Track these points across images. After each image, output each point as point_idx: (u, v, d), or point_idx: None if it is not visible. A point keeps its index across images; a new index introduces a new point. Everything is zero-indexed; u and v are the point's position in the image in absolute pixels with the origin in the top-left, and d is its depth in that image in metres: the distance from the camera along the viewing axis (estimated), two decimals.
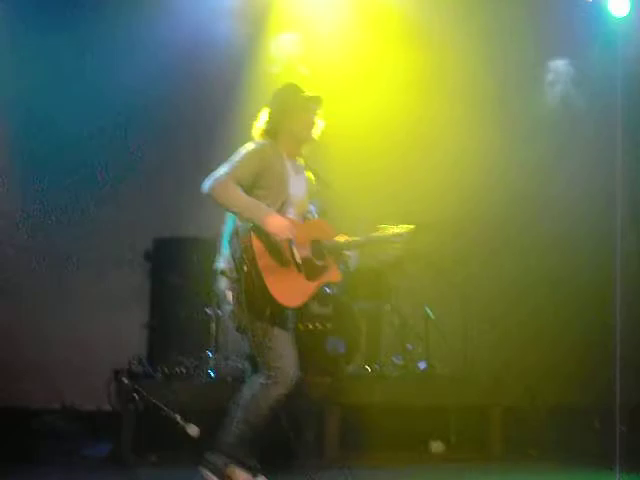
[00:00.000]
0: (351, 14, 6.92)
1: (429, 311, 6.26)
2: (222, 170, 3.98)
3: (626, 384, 5.26)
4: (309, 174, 4.37)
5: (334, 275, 4.25)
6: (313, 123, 4.19)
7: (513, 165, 6.75)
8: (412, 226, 4.24)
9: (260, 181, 4.06)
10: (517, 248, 6.80)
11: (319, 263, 4.16)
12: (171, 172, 6.87)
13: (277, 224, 3.91)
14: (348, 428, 5.49)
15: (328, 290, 6.11)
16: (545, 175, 6.80)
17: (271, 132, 4.19)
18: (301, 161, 4.34)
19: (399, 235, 4.23)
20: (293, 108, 4.17)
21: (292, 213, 4.15)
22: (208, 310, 5.89)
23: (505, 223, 6.84)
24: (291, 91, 4.26)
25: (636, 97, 5.96)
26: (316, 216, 4.39)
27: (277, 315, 4.01)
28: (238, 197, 3.94)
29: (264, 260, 3.91)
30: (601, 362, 5.67)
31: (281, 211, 4.06)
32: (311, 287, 4.09)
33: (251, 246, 3.90)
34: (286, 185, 4.13)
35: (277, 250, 3.96)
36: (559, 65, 7.00)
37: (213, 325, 5.84)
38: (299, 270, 4.01)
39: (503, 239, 6.84)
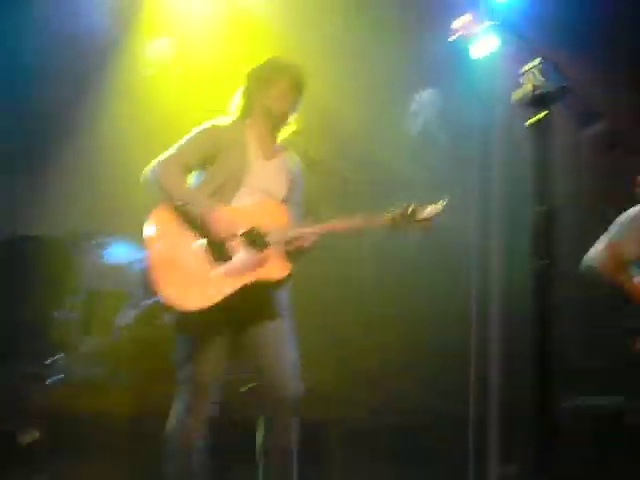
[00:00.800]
0: (226, 19, 6.88)
1: None
2: (167, 153, 3.59)
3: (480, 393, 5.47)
4: (292, 160, 3.86)
5: (272, 271, 3.48)
6: (288, 96, 3.69)
7: None
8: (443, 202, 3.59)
9: (212, 163, 3.60)
10: (371, 261, 6.80)
11: (252, 255, 3.47)
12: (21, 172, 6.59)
13: (215, 222, 3.44)
14: None
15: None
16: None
17: (245, 109, 3.76)
18: (284, 145, 3.84)
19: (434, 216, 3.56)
20: (265, 78, 3.71)
21: (247, 202, 3.60)
22: (56, 313, 5.72)
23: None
24: (265, 61, 3.83)
25: (491, 134, 6.20)
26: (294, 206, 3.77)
27: (182, 320, 3.52)
28: (176, 186, 3.53)
29: (160, 245, 3.46)
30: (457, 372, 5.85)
31: (231, 199, 3.57)
32: (229, 285, 3.40)
33: (149, 222, 3.49)
34: (242, 170, 3.60)
35: (184, 235, 3.48)
36: (423, 96, 7.16)
37: (63, 328, 5.69)
38: (215, 263, 3.45)
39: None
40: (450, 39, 6.01)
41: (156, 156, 3.63)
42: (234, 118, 3.75)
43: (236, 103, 3.78)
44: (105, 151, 6.55)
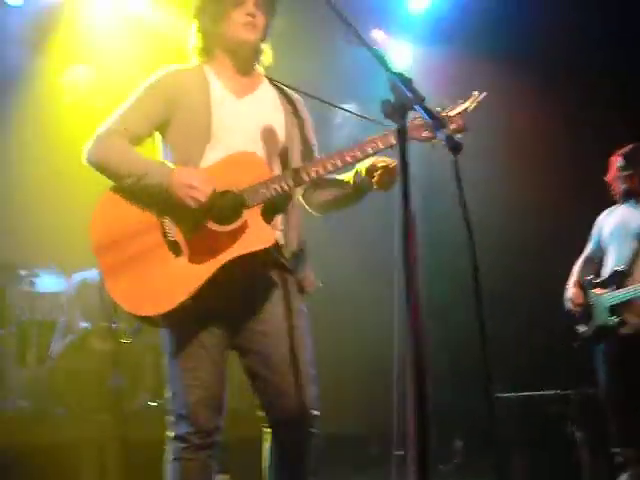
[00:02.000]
0: (145, 46, 6.90)
1: None
2: (107, 121, 2.82)
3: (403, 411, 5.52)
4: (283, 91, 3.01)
5: (254, 240, 2.70)
6: (251, 18, 2.84)
7: None
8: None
9: (171, 121, 2.82)
10: None
11: (223, 228, 2.70)
12: None
13: (178, 187, 2.68)
14: (131, 463, 5.44)
15: (114, 324, 6.06)
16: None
17: (205, 49, 2.95)
18: (262, 77, 3.00)
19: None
20: (220, 6, 2.86)
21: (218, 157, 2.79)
22: None
23: None
24: None
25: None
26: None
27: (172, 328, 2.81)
28: (123, 159, 2.74)
29: (110, 249, 2.74)
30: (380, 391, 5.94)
31: (200, 155, 2.80)
32: (202, 272, 2.67)
33: (90, 230, 2.79)
34: (208, 116, 2.80)
35: (134, 227, 2.75)
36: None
37: None
38: (175, 251, 2.72)
39: None
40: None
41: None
42: (203, 59, 2.98)
43: (194, 41, 2.99)
44: (29, 181, 6.54)
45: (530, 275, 6.40)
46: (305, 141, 2.99)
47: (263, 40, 2.94)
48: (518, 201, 6.47)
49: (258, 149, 2.83)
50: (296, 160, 2.91)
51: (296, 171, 2.80)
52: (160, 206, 2.74)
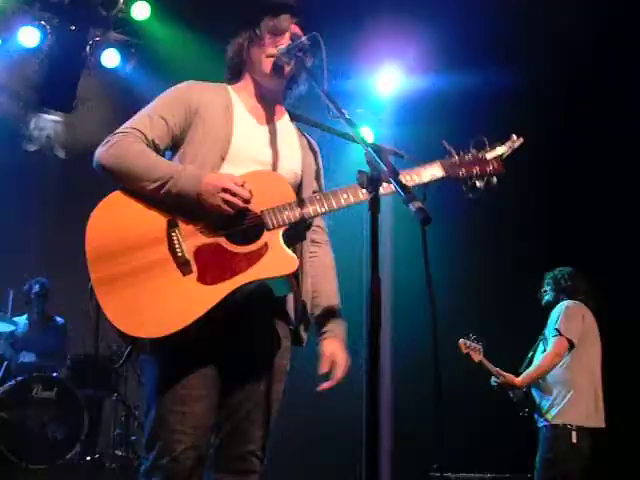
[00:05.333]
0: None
1: None
2: (125, 124, 2.60)
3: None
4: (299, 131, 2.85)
5: (274, 265, 2.45)
6: (278, 44, 2.66)
7: None
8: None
9: (188, 132, 2.61)
10: None
11: (240, 248, 2.45)
12: None
13: (210, 187, 2.43)
14: None
15: (54, 374, 6.00)
16: None
17: (234, 68, 2.78)
18: (284, 110, 2.83)
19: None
20: (257, 30, 2.70)
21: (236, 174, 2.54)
22: None
23: None
24: (258, 7, 2.78)
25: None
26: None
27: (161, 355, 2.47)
28: (144, 159, 2.49)
29: (108, 259, 2.41)
30: None
31: (216, 170, 2.54)
32: (213, 294, 2.39)
33: (88, 228, 2.46)
34: (228, 130, 2.62)
35: (138, 238, 2.44)
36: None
37: None
38: (183, 268, 2.41)
39: None
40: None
41: None
42: (231, 79, 2.82)
43: (225, 62, 2.83)
44: None
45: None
46: (316, 184, 2.78)
47: (291, 83, 2.76)
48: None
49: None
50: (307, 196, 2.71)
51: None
52: (171, 217, 2.47)
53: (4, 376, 5.88)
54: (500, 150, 2.67)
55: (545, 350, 4.89)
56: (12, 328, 6.20)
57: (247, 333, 2.55)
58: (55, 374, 6.02)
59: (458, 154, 2.64)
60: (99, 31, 6.74)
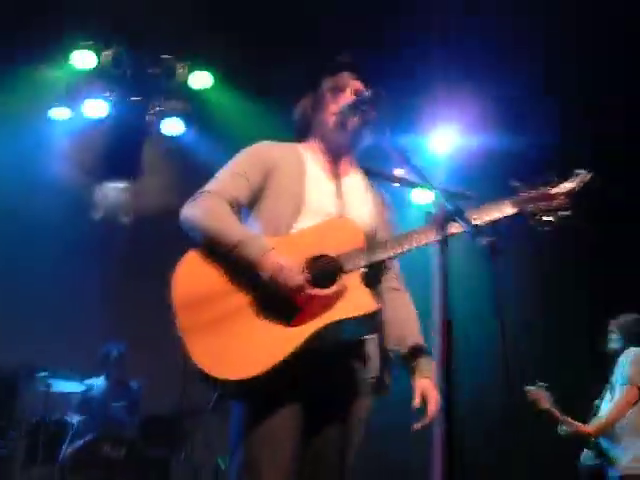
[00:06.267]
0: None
1: (221, 462, 6.27)
2: (208, 184, 2.75)
3: None
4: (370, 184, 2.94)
5: (355, 305, 2.53)
6: (339, 101, 2.81)
7: None
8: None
9: (265, 188, 2.74)
10: None
11: (320, 291, 2.53)
12: None
13: (271, 268, 2.51)
14: None
15: (124, 433, 6.08)
16: None
17: (301, 130, 2.94)
18: (354, 164, 2.94)
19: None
20: (320, 93, 2.88)
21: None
22: None
23: None
24: (317, 69, 2.99)
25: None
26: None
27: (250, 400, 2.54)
28: (224, 223, 2.61)
29: (194, 307, 2.54)
30: None
31: (292, 222, 2.69)
32: (297, 335, 2.47)
33: (173, 280, 2.57)
34: (302, 185, 2.74)
35: (222, 286, 2.55)
36: None
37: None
38: (266, 312, 2.52)
39: None
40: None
41: None
42: (299, 139, 2.97)
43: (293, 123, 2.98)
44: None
45: None
46: (386, 235, 2.84)
47: (356, 137, 2.85)
48: None
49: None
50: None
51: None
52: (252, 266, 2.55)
53: (72, 439, 5.96)
54: (569, 185, 2.68)
55: (612, 398, 4.83)
56: (83, 388, 6.29)
57: (327, 378, 2.59)
58: (125, 432, 6.10)
59: (526, 191, 2.67)
60: (160, 101, 6.99)
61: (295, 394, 2.54)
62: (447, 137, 7.11)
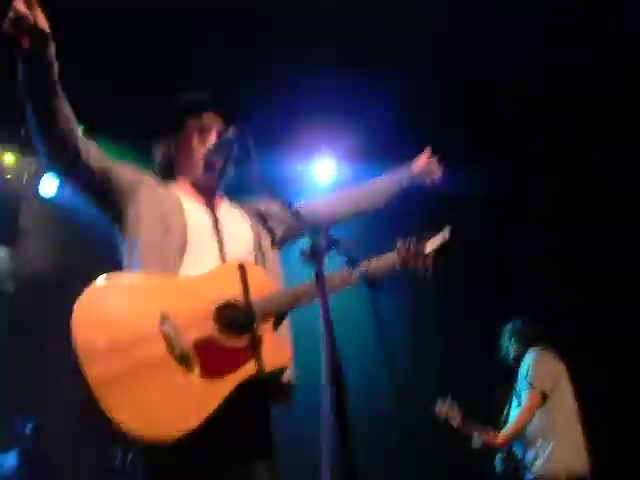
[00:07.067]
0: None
1: None
2: None
3: None
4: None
5: (272, 358, 2.43)
6: (206, 142, 2.78)
7: None
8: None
9: (135, 202, 2.64)
10: None
11: (233, 343, 2.40)
12: None
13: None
14: None
15: None
16: None
17: (165, 171, 2.86)
18: (223, 196, 2.89)
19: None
20: (182, 133, 2.82)
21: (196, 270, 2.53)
22: None
23: None
24: (166, 106, 2.92)
25: None
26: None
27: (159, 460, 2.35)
28: None
29: (104, 360, 2.25)
30: None
31: (182, 255, 2.56)
32: (217, 391, 2.32)
33: (74, 338, 2.26)
34: (183, 217, 2.65)
35: (132, 332, 2.33)
36: None
37: None
38: (184, 365, 2.33)
39: None
40: None
41: None
42: (165, 181, 2.85)
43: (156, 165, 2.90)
44: None
45: None
46: (272, 231, 2.86)
47: (222, 174, 2.81)
48: None
49: (234, 255, 2.63)
50: (271, 259, 2.78)
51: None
52: (160, 310, 2.38)
53: None
54: (434, 244, 2.72)
55: (520, 404, 4.87)
56: None
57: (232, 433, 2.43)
58: None
59: (403, 248, 2.71)
60: (32, 160, 6.72)
61: (205, 451, 2.37)
62: (327, 167, 7.15)
